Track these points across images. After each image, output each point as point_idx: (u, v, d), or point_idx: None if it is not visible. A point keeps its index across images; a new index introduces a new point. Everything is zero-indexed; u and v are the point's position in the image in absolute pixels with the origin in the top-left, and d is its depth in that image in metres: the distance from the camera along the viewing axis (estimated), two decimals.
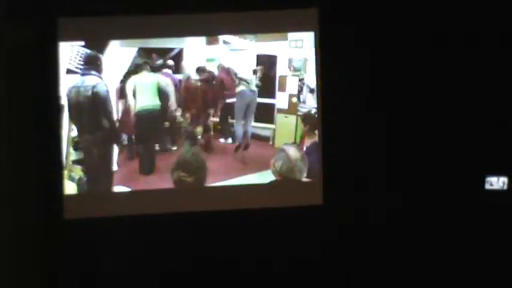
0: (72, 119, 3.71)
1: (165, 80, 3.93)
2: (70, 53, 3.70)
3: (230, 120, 4.12)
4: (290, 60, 3.94)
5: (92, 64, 3.73)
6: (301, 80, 3.93)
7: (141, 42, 3.84)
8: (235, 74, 4.03)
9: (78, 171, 3.72)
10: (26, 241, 3.47)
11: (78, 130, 3.73)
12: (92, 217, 3.59)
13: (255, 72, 4.01)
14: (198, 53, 3.92)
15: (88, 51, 3.73)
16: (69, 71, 3.71)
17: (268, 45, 3.93)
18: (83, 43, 3.72)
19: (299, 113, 3.93)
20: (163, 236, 3.62)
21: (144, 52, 3.87)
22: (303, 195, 3.74)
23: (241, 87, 4.03)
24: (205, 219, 3.64)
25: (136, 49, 3.85)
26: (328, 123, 3.79)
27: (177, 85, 3.96)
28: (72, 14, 3.64)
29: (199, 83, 3.98)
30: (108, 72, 3.79)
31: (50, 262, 3.55)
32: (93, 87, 3.71)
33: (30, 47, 3.54)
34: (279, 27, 3.82)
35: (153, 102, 3.92)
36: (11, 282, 3.39)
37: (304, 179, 3.79)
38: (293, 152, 3.78)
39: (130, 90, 3.88)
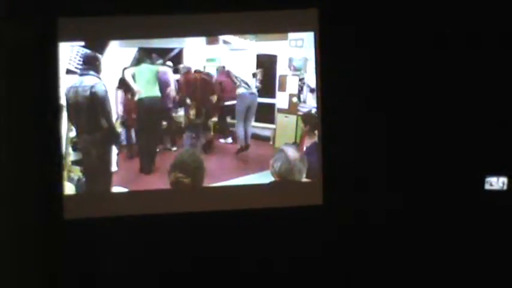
0: (70, 119, 3.73)
1: (165, 69, 3.95)
2: (70, 53, 3.72)
3: (229, 120, 4.14)
4: (290, 60, 3.96)
5: (90, 64, 3.75)
6: (301, 79, 3.95)
7: (141, 42, 3.86)
8: (235, 77, 4.06)
9: (77, 172, 3.75)
10: (26, 241, 3.49)
11: (76, 131, 3.75)
12: (92, 217, 3.61)
13: (254, 75, 4.04)
14: (198, 53, 3.94)
15: (87, 51, 3.73)
16: (68, 71, 3.73)
17: (268, 45, 3.95)
18: (82, 43, 3.73)
19: (299, 113, 3.95)
20: (163, 236, 3.65)
21: (144, 52, 3.89)
22: (303, 195, 3.76)
23: (241, 90, 4.06)
24: (206, 220, 3.66)
25: (136, 49, 3.87)
26: (328, 123, 3.80)
27: (178, 80, 3.99)
28: (72, 14, 3.65)
29: (198, 75, 4.00)
30: (107, 73, 3.80)
31: (50, 262, 3.57)
32: (92, 87, 3.73)
33: (30, 47, 3.55)
34: (279, 28, 3.84)
35: (153, 92, 3.96)
36: (11, 282, 3.41)
37: (304, 179, 3.81)
38: (292, 153, 3.81)
39: (130, 77, 3.90)
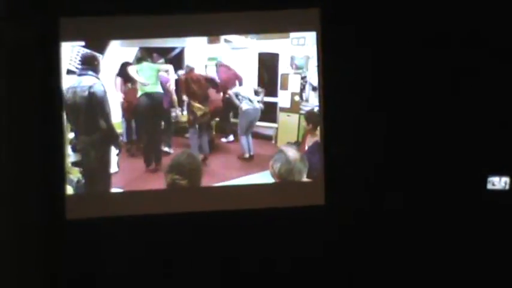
0: (69, 120, 3.75)
1: (166, 67, 3.97)
2: (70, 53, 3.73)
3: (232, 120, 4.18)
4: (292, 58, 3.98)
5: (89, 64, 3.76)
6: (303, 78, 3.97)
7: (141, 42, 3.88)
8: (237, 94, 4.08)
9: (76, 173, 3.77)
10: (26, 241, 3.53)
11: (75, 131, 3.77)
12: (93, 217, 3.66)
13: (257, 93, 4.06)
14: (199, 52, 3.96)
15: (86, 51, 3.74)
16: (69, 72, 3.74)
17: (270, 43, 3.97)
18: (83, 43, 3.75)
19: (301, 112, 3.97)
20: (164, 236, 3.70)
21: (145, 51, 3.90)
22: (305, 195, 3.80)
23: (245, 106, 4.09)
24: (207, 220, 3.71)
25: (137, 49, 3.88)
26: (330, 123, 3.83)
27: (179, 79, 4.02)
28: (73, 14, 3.67)
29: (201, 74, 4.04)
30: (108, 72, 3.82)
31: (50, 262, 3.61)
32: (90, 87, 3.74)
33: (30, 47, 3.58)
34: (281, 28, 3.87)
35: (156, 88, 3.98)
36: (11, 282, 3.46)
37: (306, 179, 3.84)
38: (292, 153, 3.85)
39: (134, 73, 3.92)
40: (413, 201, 3.78)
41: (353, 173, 3.80)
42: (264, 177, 3.87)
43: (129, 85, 3.95)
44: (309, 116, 3.94)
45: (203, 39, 3.93)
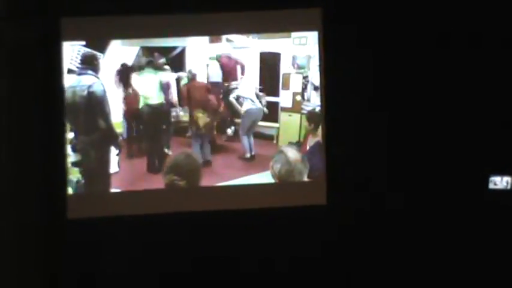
0: (68, 120, 3.76)
1: (167, 76, 3.98)
2: (71, 52, 3.76)
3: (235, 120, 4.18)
4: (294, 58, 4.00)
5: (88, 63, 3.78)
6: (305, 77, 3.99)
7: (143, 41, 3.89)
8: (238, 97, 4.10)
9: (75, 174, 3.79)
10: (27, 241, 3.55)
11: (74, 131, 3.78)
12: (93, 217, 3.68)
13: (258, 96, 4.07)
14: (201, 51, 3.97)
15: (86, 50, 3.76)
16: (70, 71, 3.77)
17: (271, 43, 3.98)
18: (84, 43, 3.77)
19: (303, 112, 3.99)
20: (164, 236, 3.72)
21: (146, 51, 3.91)
22: (307, 195, 3.83)
23: (247, 106, 4.10)
24: (207, 219, 3.74)
25: (138, 48, 3.89)
26: (332, 123, 3.86)
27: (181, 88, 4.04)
28: (74, 13, 3.68)
29: (204, 82, 4.06)
30: (108, 72, 3.83)
31: (50, 262, 3.63)
32: (89, 87, 3.76)
33: (30, 47, 3.59)
34: (282, 27, 3.90)
35: (158, 99, 3.99)
36: (11, 282, 3.50)
37: (308, 179, 3.88)
38: (292, 154, 3.89)
39: (136, 84, 3.92)
40: (414, 201, 3.80)
41: (354, 172, 3.83)
42: (265, 178, 3.91)
43: (130, 90, 3.95)
44: (311, 115, 3.98)
45: (205, 39, 3.96)
